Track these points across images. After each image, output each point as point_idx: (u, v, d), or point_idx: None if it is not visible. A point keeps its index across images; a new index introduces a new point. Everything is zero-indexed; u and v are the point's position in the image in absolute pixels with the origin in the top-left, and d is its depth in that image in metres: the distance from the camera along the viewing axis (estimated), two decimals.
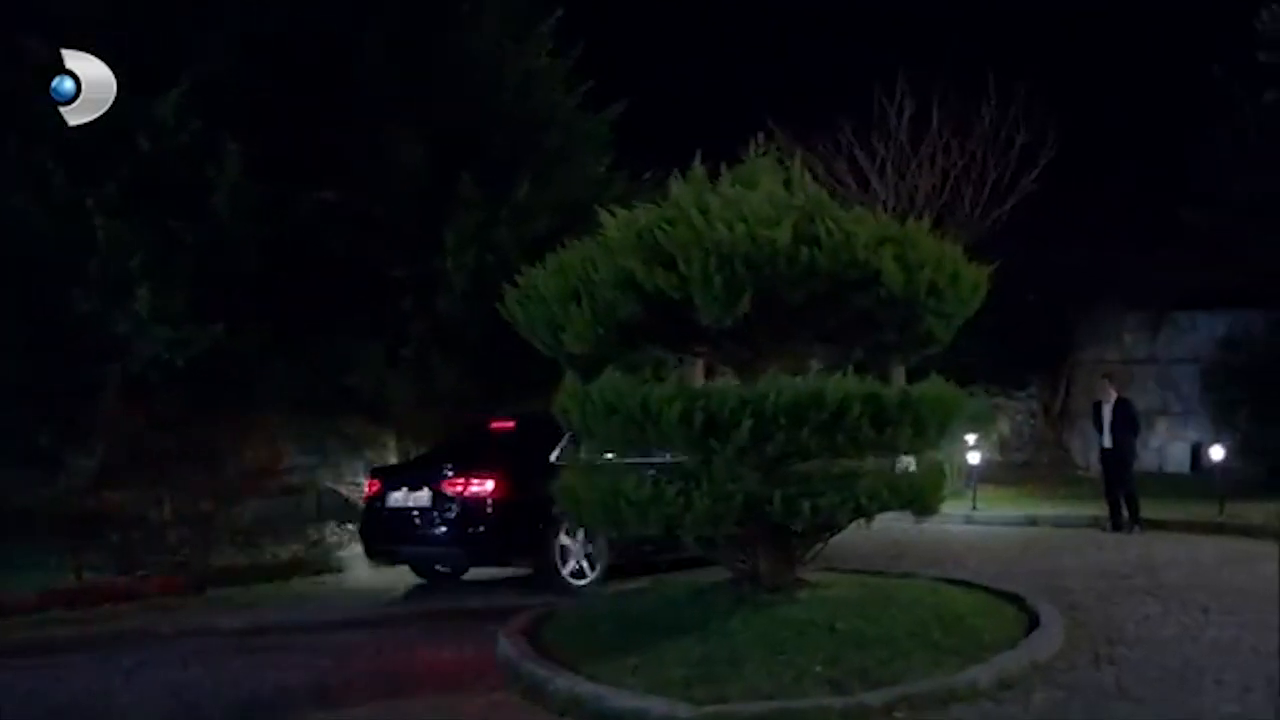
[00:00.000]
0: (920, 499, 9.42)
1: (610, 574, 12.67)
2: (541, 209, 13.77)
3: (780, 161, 9.63)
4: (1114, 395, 16.38)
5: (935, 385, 9.54)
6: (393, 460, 15.38)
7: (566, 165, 14.62)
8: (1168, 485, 19.15)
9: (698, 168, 9.40)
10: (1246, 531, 15.27)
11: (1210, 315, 22.12)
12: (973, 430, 19.74)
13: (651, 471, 9.33)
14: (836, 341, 9.99)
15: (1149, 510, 16.11)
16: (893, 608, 9.34)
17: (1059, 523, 16.28)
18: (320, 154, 13.51)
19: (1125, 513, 15.84)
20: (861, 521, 9.43)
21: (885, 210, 21.07)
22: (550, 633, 9.51)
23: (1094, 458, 16.47)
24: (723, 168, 9.47)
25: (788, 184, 9.22)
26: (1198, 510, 16.45)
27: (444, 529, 12.44)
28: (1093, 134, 21.18)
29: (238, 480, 12.93)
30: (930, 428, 9.34)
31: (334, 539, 14.56)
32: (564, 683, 7.90)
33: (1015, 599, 10.20)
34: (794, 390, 8.62)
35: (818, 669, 7.82)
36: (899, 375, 10.03)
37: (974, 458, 19.62)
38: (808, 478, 9.00)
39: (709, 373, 10.28)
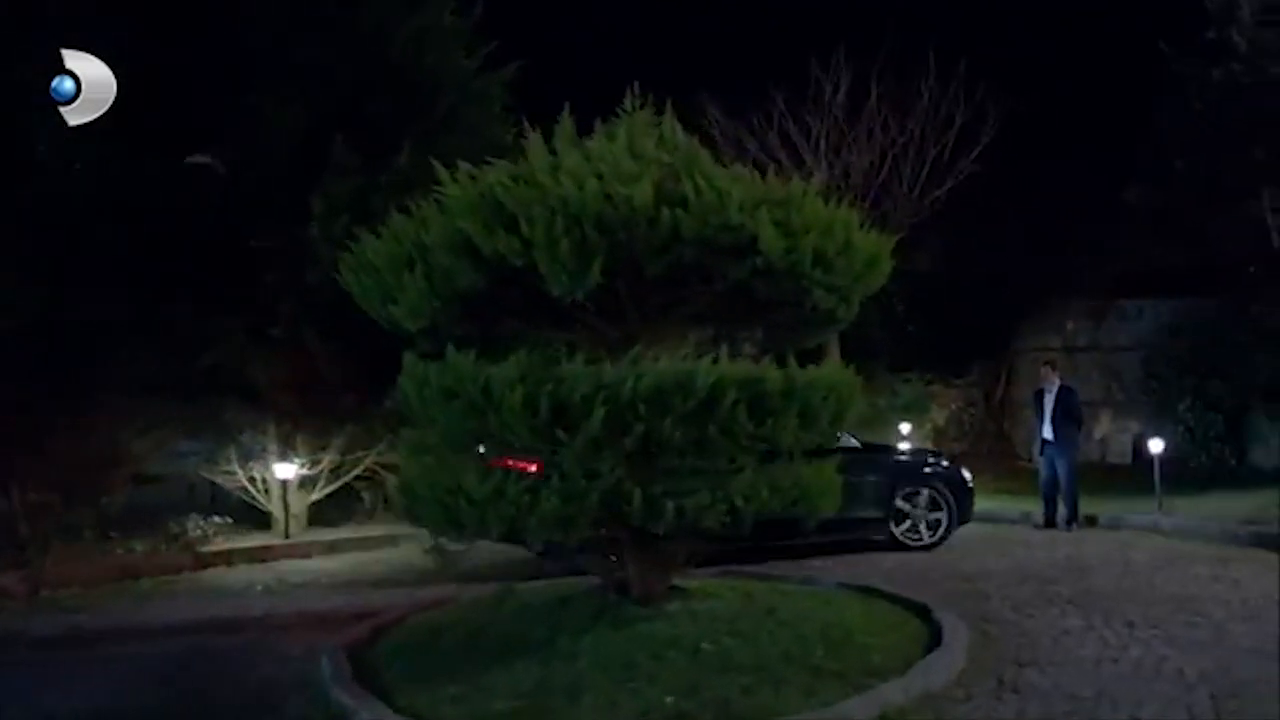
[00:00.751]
0: (808, 499, 8.16)
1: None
2: (425, 176, 12.35)
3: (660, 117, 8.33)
4: (1056, 383, 15.21)
5: (828, 370, 8.29)
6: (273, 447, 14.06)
7: (457, 130, 13.24)
8: (1109, 478, 18.04)
9: (566, 120, 8.09)
10: (1182, 530, 14.13)
11: (1157, 302, 20.97)
12: (906, 419, 18.56)
13: None
14: (714, 320, 8.72)
15: (1087, 505, 14.95)
16: (773, 623, 8.15)
17: (990, 518, 15.06)
18: (184, 112, 12.12)
19: (1063, 508, 14.70)
20: None
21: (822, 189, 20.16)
22: (384, 648, 8.23)
23: (1037, 449, 15.28)
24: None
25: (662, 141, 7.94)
26: (1136, 505, 15.29)
27: None
28: (1036, 113, 19.94)
29: (83, 469, 11.48)
30: (820, 418, 8.10)
31: (198, 532, 13.21)
32: (367, 717, 6.63)
33: (921, 610, 8.99)
34: (656, 375, 7.36)
35: (669, 700, 6.59)
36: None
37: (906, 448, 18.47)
38: (674, 474, 7.72)
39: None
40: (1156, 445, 15.32)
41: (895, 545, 12.98)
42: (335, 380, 12.93)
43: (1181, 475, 17.61)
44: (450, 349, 7.72)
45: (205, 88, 12.41)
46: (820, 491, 8.22)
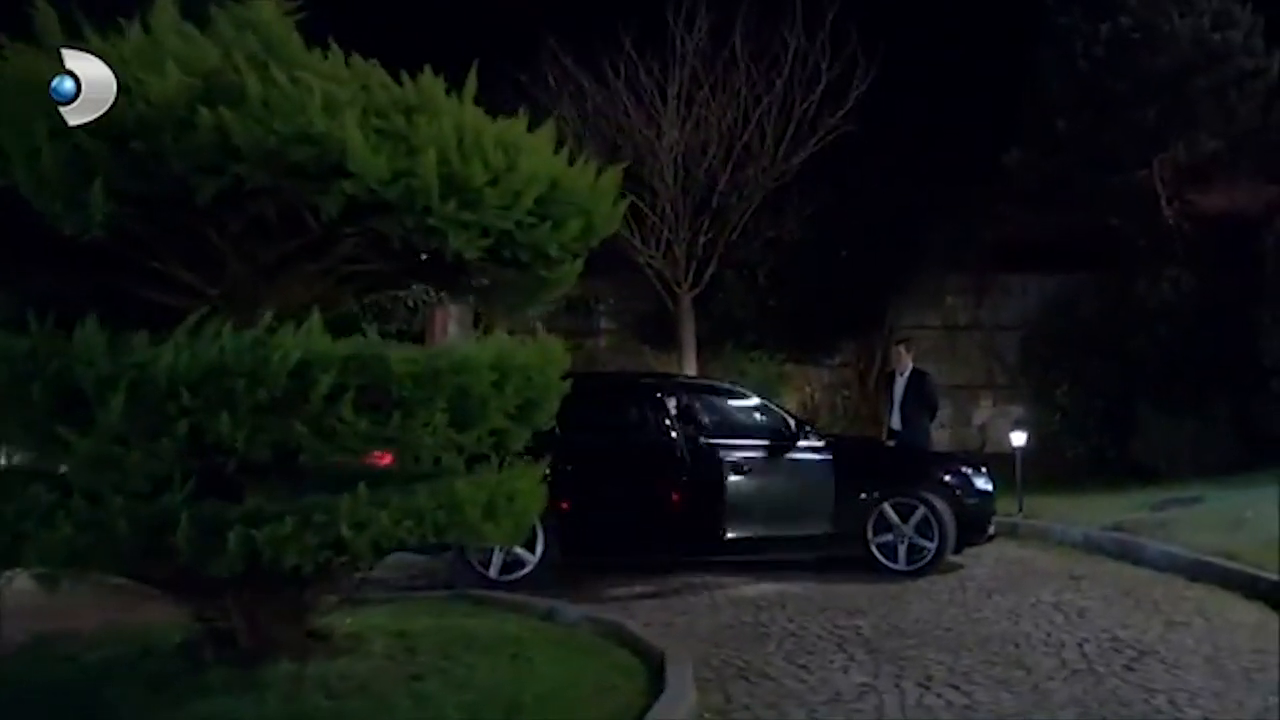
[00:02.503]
0: (463, 527, 5.71)
1: None
2: None
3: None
4: (909, 366, 12.92)
5: (498, 345, 5.85)
6: None
7: None
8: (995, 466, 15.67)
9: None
10: (1043, 536, 11.91)
11: (1043, 278, 18.78)
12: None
13: None
14: (371, 279, 6.26)
15: None
16: (431, 689, 5.72)
17: None
18: None
19: None
20: None
21: (675, 146, 17.72)
22: None
23: (884, 439, 13.02)
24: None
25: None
26: (1000, 505, 13.01)
27: None
28: (910, 67, 17.60)
29: None
30: (489, 411, 5.69)
31: None
32: None
33: (657, 664, 6.62)
34: (208, 353, 4.91)
35: None
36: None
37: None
38: (256, 493, 5.28)
39: None
40: (1018, 437, 13.11)
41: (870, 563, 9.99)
42: None
43: (1058, 468, 15.49)
44: None
45: None
46: (486, 515, 5.76)
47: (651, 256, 17.96)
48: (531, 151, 5.62)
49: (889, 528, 9.98)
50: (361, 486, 5.30)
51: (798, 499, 9.82)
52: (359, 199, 5.02)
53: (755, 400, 10.61)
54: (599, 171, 6.47)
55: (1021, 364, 17.33)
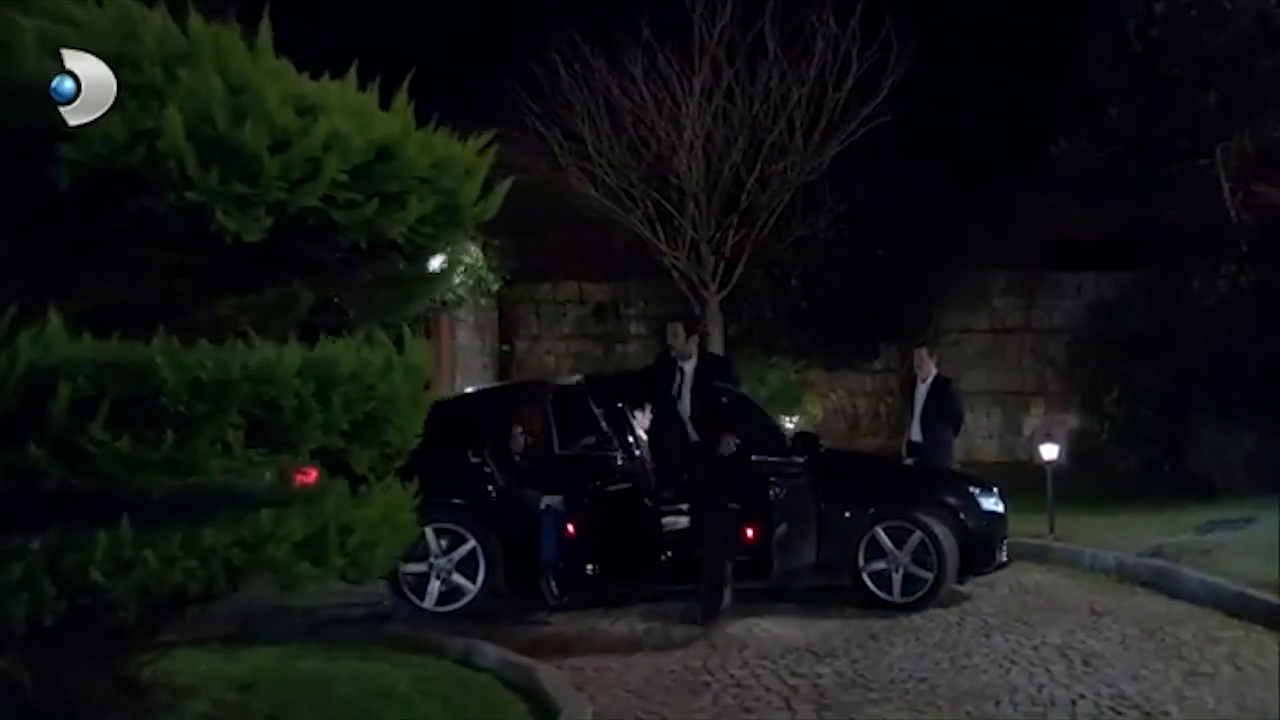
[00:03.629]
0: (266, 566, 4.64)
1: None
2: None
3: None
4: (933, 372, 11.61)
5: (326, 350, 4.79)
6: None
7: None
8: (1036, 482, 14.18)
9: None
10: (1074, 560, 10.56)
11: (1099, 276, 17.31)
12: (784, 412, 14.96)
13: None
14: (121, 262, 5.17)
15: None
16: None
17: None
18: None
19: None
20: None
21: (696, 140, 16.52)
22: None
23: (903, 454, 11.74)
24: None
25: None
26: (1030, 525, 11.69)
27: None
28: (948, 53, 16.27)
29: None
30: (306, 429, 4.62)
31: None
32: None
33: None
34: None
35: None
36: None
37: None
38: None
39: None
40: (1049, 450, 11.73)
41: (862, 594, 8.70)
42: None
43: (1106, 482, 14.10)
44: None
45: None
46: (302, 553, 4.69)
47: (676, 257, 16.85)
48: (344, 111, 4.53)
49: (882, 554, 8.72)
50: (124, 521, 4.26)
51: (788, 524, 8.62)
52: (92, 167, 3.97)
53: (757, 406, 9.38)
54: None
55: (1067, 369, 15.87)
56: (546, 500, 8.27)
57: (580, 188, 16.39)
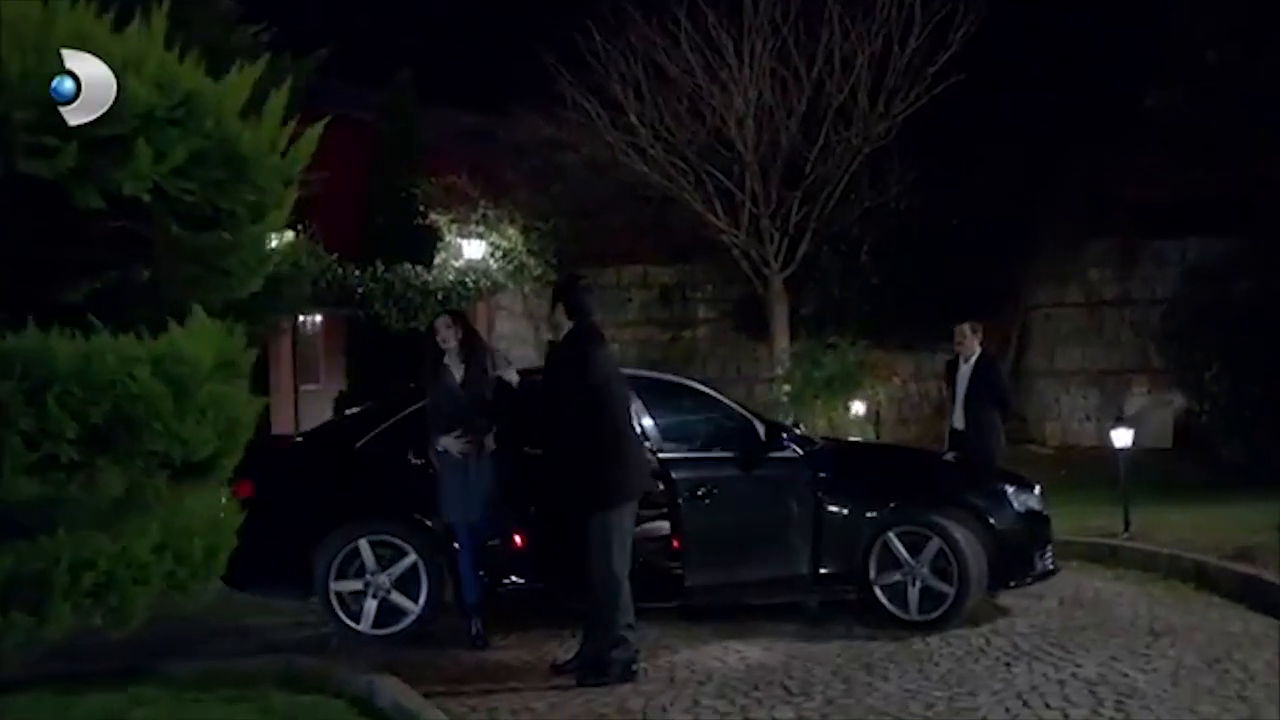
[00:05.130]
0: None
1: None
2: None
3: None
4: (976, 351, 10.15)
5: (41, 344, 3.70)
6: None
7: None
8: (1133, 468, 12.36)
9: None
10: (1148, 564, 8.99)
11: (1203, 242, 15.42)
12: (829, 397, 13.51)
13: None
14: None
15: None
16: None
17: None
18: None
19: None
20: None
21: (749, 106, 15.09)
22: None
23: (946, 443, 10.28)
24: None
25: None
26: (1104, 521, 10.11)
27: None
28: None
29: None
30: (10, 434, 3.55)
31: None
32: None
33: None
34: None
35: None
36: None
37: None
38: None
39: None
40: (1122, 436, 10.11)
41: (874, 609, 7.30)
42: None
43: (1209, 470, 12.41)
44: None
45: None
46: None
47: (735, 235, 15.53)
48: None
49: (897, 564, 7.33)
50: None
51: (765, 529, 7.31)
52: None
53: (712, 396, 7.97)
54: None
55: (1162, 343, 14.09)
56: (450, 515, 7.03)
57: (626, 162, 15.19)
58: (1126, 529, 9.69)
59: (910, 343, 16.55)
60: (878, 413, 14.65)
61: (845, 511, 7.35)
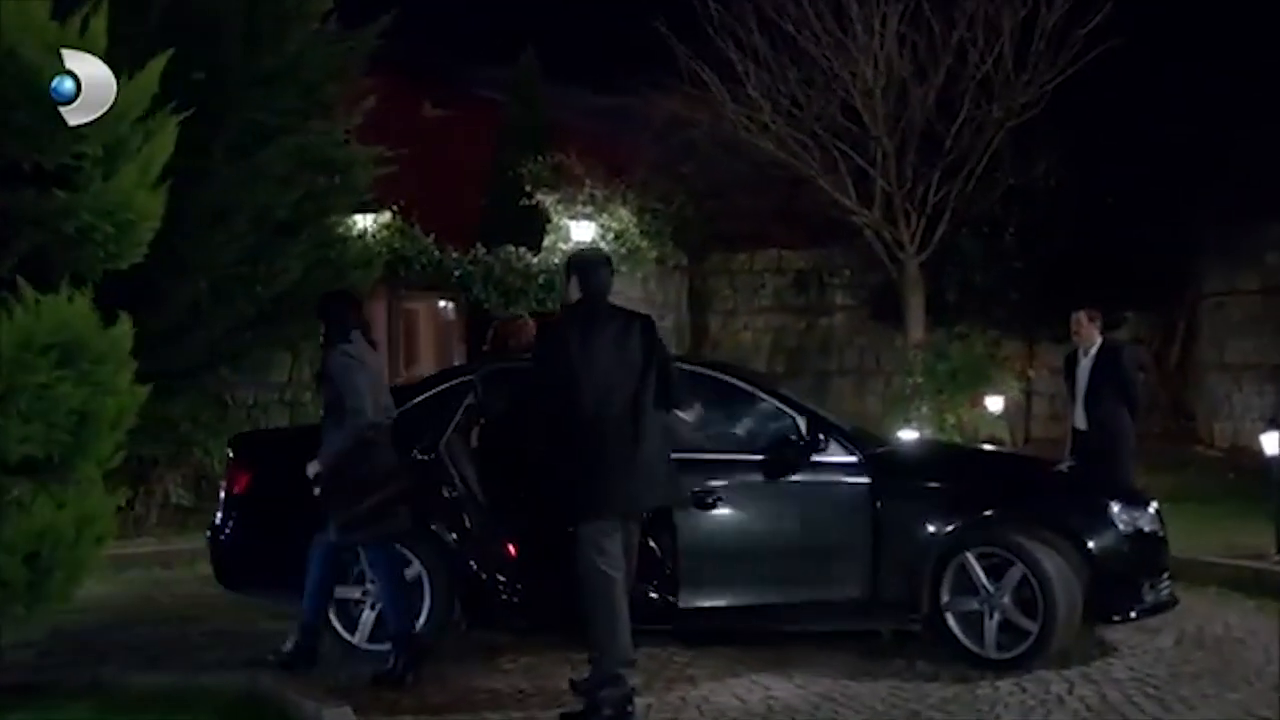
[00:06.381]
0: None
1: None
2: None
3: None
4: (1097, 341, 8.83)
5: None
6: None
7: None
8: None
9: None
10: None
11: None
12: (955, 393, 12.17)
13: None
14: None
15: (1187, 539, 7.90)
16: None
17: None
18: None
19: None
20: None
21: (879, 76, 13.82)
22: None
23: (1067, 447, 8.95)
24: None
25: None
26: (1257, 539, 8.60)
27: None
28: None
29: None
30: None
31: None
32: None
33: None
34: None
35: None
36: None
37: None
38: None
39: None
40: (1272, 441, 8.58)
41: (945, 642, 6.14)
42: None
43: None
44: None
45: None
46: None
47: (866, 215, 14.35)
48: None
49: (973, 590, 6.16)
50: None
51: (809, 544, 6.24)
52: None
53: (745, 388, 6.86)
54: None
55: None
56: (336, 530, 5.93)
57: (748, 138, 14.18)
58: (1278, 551, 8.21)
59: (1064, 335, 14.98)
60: (1028, 407, 13.18)
61: (911, 526, 6.20)
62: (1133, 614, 6.29)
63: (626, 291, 15.50)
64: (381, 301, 12.86)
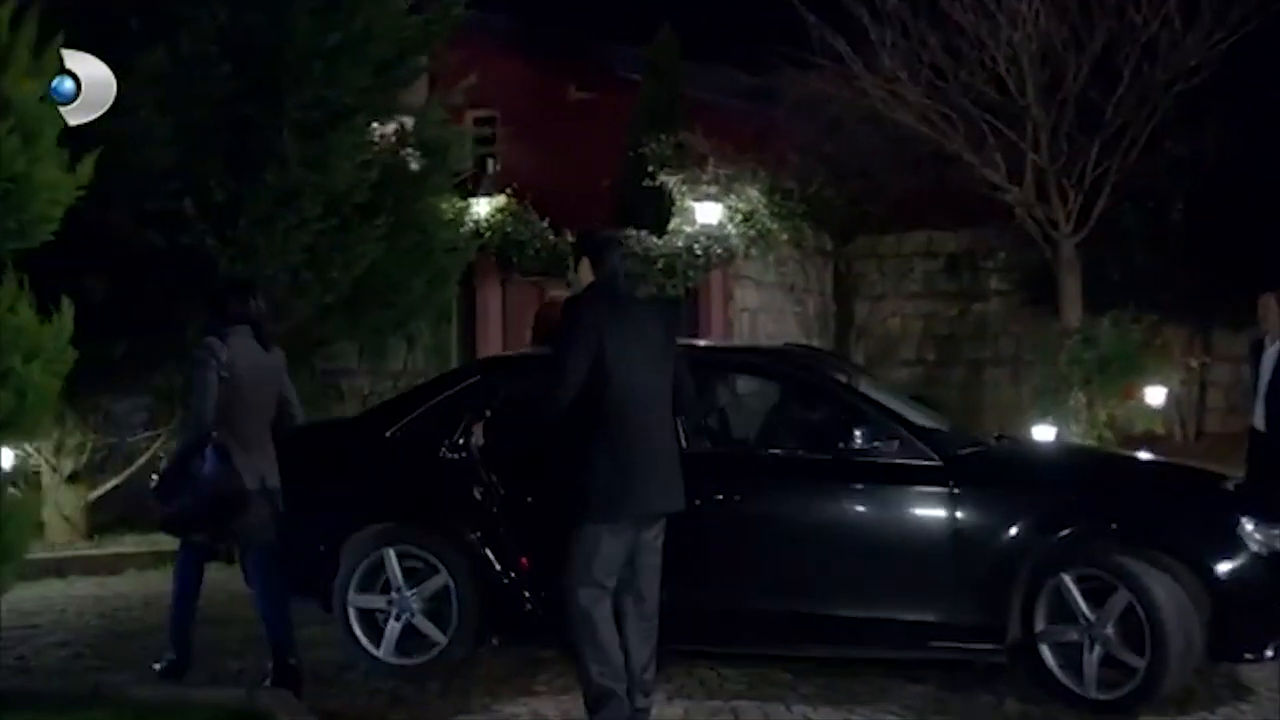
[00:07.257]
0: None
1: None
2: None
3: None
4: None
5: None
6: None
7: None
8: None
9: None
10: None
11: None
12: (1106, 383, 10.96)
13: None
14: None
15: None
16: None
17: None
18: None
19: None
20: None
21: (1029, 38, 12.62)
22: None
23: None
24: None
25: None
26: None
27: None
28: None
29: None
30: None
31: None
32: None
33: None
34: None
35: None
36: None
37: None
38: None
39: None
40: None
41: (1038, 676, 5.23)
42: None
43: None
44: None
45: None
46: None
47: (1013, 191, 13.23)
48: None
49: (1072, 617, 5.23)
50: None
51: (871, 556, 5.40)
52: None
53: (807, 377, 6.01)
54: None
55: None
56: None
57: (885, 111, 13.23)
58: None
59: (1242, 320, 13.54)
60: (1201, 399, 11.82)
61: (997, 540, 5.30)
62: (1269, 653, 5.24)
63: (760, 276, 14.74)
64: (495, 287, 12.43)
